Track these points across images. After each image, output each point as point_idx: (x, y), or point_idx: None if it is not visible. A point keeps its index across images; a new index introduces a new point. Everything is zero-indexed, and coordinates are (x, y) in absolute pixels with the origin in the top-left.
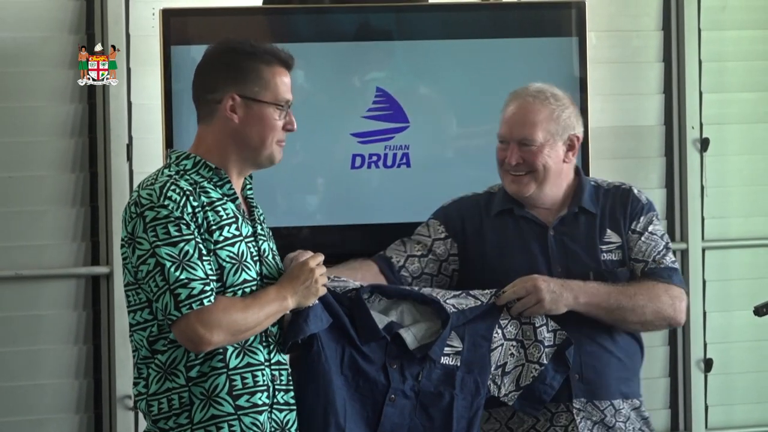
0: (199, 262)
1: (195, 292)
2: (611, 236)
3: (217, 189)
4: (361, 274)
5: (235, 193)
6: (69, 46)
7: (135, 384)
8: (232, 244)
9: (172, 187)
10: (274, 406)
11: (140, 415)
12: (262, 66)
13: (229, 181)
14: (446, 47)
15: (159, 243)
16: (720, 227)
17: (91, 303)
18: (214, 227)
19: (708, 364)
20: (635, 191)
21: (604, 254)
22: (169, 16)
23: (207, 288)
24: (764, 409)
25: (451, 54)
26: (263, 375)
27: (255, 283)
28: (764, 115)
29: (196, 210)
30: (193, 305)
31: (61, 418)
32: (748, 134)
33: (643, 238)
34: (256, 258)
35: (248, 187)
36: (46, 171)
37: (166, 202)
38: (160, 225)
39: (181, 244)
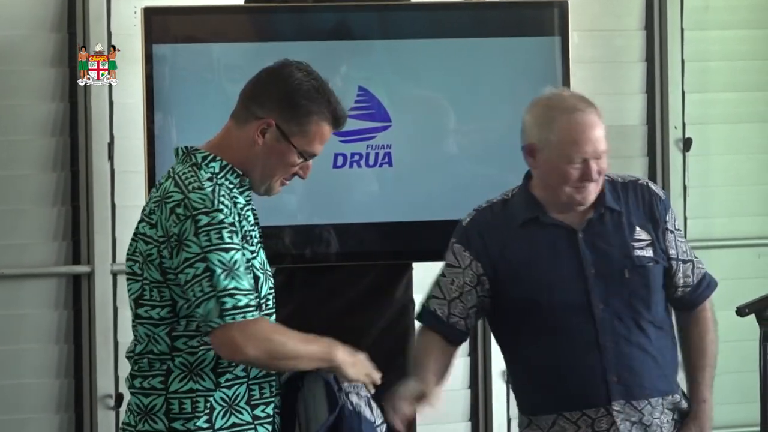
0: (244, 273)
1: (240, 303)
2: (641, 233)
3: (240, 195)
4: (425, 348)
5: (252, 199)
6: (50, 45)
7: (145, 377)
8: (259, 253)
9: (222, 193)
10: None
11: (121, 413)
12: (313, 115)
13: (249, 189)
14: (428, 46)
15: (211, 248)
16: (703, 227)
17: (71, 302)
18: (248, 236)
19: None
20: (652, 186)
21: (637, 251)
22: (150, 14)
23: (251, 303)
24: (748, 409)
25: (433, 53)
26: (272, 387)
27: (273, 292)
28: (747, 115)
29: (238, 219)
30: (236, 316)
31: (41, 418)
32: (730, 134)
33: (678, 237)
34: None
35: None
36: (27, 170)
37: (220, 207)
38: (214, 230)
39: (232, 252)
